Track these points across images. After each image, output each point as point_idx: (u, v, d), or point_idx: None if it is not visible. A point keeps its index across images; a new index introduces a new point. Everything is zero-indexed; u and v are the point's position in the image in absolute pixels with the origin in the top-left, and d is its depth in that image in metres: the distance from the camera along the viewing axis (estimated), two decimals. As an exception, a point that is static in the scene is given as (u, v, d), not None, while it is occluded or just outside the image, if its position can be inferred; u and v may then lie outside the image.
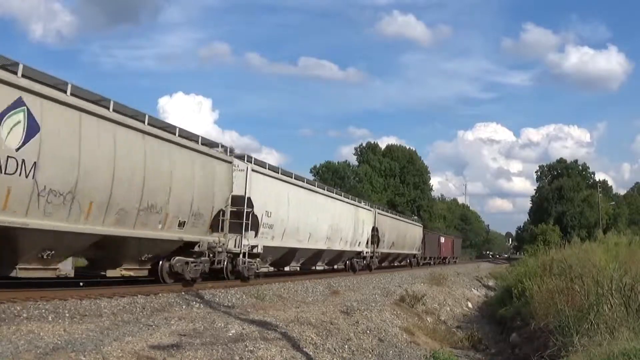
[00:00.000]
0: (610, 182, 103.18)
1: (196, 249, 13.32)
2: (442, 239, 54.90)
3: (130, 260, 11.81)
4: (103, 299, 9.98)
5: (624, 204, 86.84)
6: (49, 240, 9.30)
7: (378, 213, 30.06)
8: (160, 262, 12.75)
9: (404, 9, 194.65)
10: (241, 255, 15.16)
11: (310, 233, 19.99)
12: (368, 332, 11.39)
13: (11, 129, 8.25)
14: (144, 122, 11.48)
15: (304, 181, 20.29)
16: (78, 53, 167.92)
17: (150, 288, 11.91)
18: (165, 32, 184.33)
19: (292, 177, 19.08)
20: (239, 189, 15.08)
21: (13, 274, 9.19)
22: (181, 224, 12.56)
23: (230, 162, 14.87)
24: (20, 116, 8.41)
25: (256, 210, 15.63)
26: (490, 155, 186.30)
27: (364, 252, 27.30)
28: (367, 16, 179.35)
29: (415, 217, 74.55)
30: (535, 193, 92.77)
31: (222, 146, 14.90)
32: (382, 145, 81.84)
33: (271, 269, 19.86)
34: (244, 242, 15.15)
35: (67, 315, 8.51)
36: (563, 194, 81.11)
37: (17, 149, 8.33)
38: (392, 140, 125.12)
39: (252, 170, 15.80)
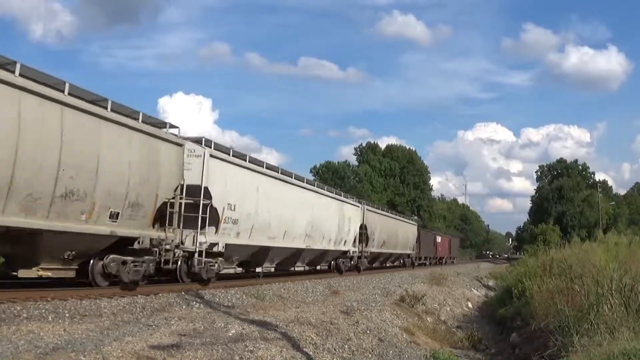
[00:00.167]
0: (610, 182, 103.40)
1: (136, 246, 11.36)
2: (439, 238, 52.94)
3: (49, 258, 9.90)
4: (103, 299, 9.98)
5: (624, 204, 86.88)
6: None
7: (367, 209, 27.95)
8: (91, 262, 10.83)
9: (404, 9, 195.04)
10: (196, 255, 13.22)
11: (286, 230, 17.85)
12: (368, 332, 11.39)
13: None
14: (63, 92, 9.60)
15: (278, 171, 17.97)
16: (78, 53, 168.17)
17: (150, 288, 11.91)
18: (165, 32, 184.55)
19: (263, 167, 16.85)
20: (194, 177, 13.22)
21: None
22: (114, 216, 10.62)
23: (181, 145, 12.93)
24: None
25: (216, 203, 13.64)
26: (490, 155, 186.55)
27: (351, 252, 25.02)
28: (367, 16, 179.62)
29: (415, 217, 74.82)
30: (535, 193, 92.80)
31: (173, 126, 12.92)
32: (382, 145, 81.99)
33: (239, 270, 18.00)
34: (200, 239, 13.27)
35: (67, 315, 8.51)
36: (563, 194, 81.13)
37: None
38: (392, 140, 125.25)
39: (211, 156, 13.80)
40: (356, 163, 77.07)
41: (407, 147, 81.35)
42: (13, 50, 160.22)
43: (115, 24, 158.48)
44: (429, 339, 13.60)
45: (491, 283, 35.51)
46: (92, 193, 10.01)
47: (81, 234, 9.99)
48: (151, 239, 11.74)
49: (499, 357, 13.21)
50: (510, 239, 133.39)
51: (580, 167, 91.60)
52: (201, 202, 13.20)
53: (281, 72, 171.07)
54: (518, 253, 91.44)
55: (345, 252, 24.44)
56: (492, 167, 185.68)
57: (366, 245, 27.27)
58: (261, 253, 16.86)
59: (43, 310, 8.45)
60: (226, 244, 14.33)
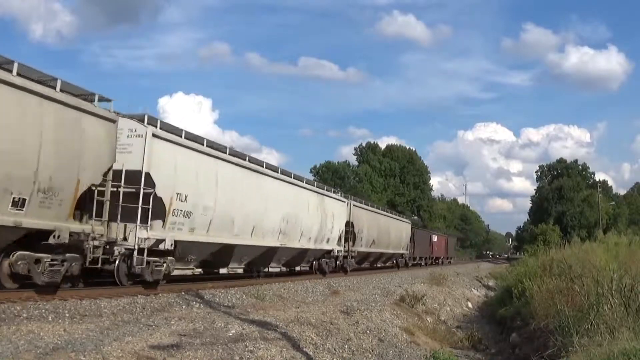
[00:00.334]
0: (610, 182, 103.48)
1: (51, 240, 9.46)
2: (435, 238, 50.88)
3: None
4: (103, 299, 9.97)
5: (624, 204, 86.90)
6: None
7: (353, 205, 25.81)
8: None
9: (404, 9, 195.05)
10: (136, 253, 11.24)
11: (254, 226, 15.73)
12: (368, 332, 11.40)
13: None
14: None
15: (245, 159, 15.68)
16: (78, 53, 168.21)
17: (150, 288, 11.89)
18: (165, 32, 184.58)
19: (225, 152, 14.63)
20: (135, 161, 11.38)
21: None
22: (18, 203, 8.76)
23: (114, 122, 10.88)
24: None
25: (161, 192, 11.78)
26: (490, 155, 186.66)
27: (336, 251, 22.82)
28: (367, 16, 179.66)
29: (415, 217, 74.84)
30: (535, 193, 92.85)
31: (104, 99, 10.83)
32: (382, 145, 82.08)
33: (198, 271, 16.36)
34: (141, 234, 11.32)
35: (67, 315, 8.51)
36: (563, 194, 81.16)
37: None
38: (392, 140, 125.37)
39: (155, 136, 11.82)
40: (356, 163, 77.25)
41: (407, 147, 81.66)
42: (13, 50, 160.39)
43: (115, 24, 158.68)
44: (429, 339, 13.61)
45: (491, 283, 35.52)
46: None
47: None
48: (72, 233, 9.78)
49: (499, 357, 13.21)
50: (510, 239, 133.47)
51: (580, 167, 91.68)
52: (141, 190, 11.31)
53: (281, 72, 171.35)
54: (518, 253, 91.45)
55: (328, 252, 22.32)
56: (492, 167, 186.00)
57: (353, 244, 25.26)
58: (224, 252, 14.70)
59: (43, 310, 8.44)
60: (176, 241, 12.38)
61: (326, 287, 17.33)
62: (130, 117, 11.91)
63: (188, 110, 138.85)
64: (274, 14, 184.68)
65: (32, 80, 9.16)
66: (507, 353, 13.28)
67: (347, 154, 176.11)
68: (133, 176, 11.31)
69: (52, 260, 9.61)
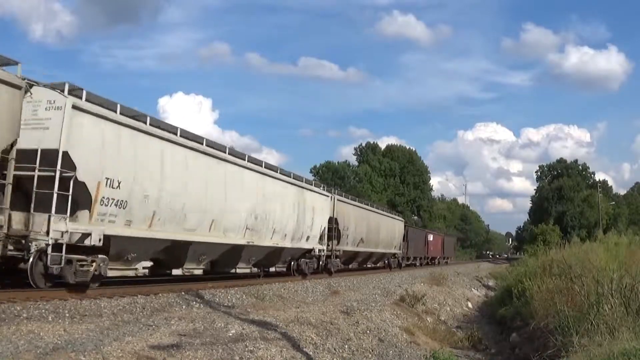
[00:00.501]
0: (610, 182, 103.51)
1: None
2: (430, 237, 48.45)
3: None
4: (103, 299, 9.97)
5: (624, 204, 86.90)
6: None
7: (338, 200, 23.43)
8: None
9: (404, 9, 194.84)
10: (50, 249, 9.35)
11: (214, 220, 13.66)
12: (368, 332, 11.40)
13: None
14: None
15: (202, 143, 13.47)
16: (78, 53, 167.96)
17: (150, 288, 11.90)
18: (165, 32, 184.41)
19: (176, 134, 12.44)
20: (51, 138, 9.55)
21: None
22: None
23: (19, 88, 9.41)
24: None
25: (84, 176, 9.83)
26: (490, 155, 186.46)
27: (317, 250, 20.56)
28: (367, 16, 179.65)
29: (415, 217, 74.89)
30: (535, 193, 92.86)
31: (8, 61, 9.52)
32: (382, 145, 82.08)
33: (142, 272, 14.49)
34: (57, 226, 9.47)
35: (67, 315, 8.51)
36: (563, 194, 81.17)
37: None
38: (392, 140, 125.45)
39: (76, 108, 9.79)
40: (356, 163, 77.21)
41: (407, 147, 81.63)
42: (13, 50, 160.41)
43: (115, 24, 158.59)
44: (429, 339, 13.61)
45: (491, 283, 35.57)
46: None
47: None
48: None
49: (499, 357, 13.22)
50: (510, 239, 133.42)
51: (580, 167, 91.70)
52: (57, 172, 9.41)
53: (281, 72, 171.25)
54: (518, 253, 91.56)
55: (308, 251, 20.10)
56: (492, 167, 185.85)
57: (338, 242, 23.06)
58: (177, 250, 12.76)
59: (43, 310, 8.44)
60: (108, 236, 10.36)
61: (326, 287, 17.34)
62: (50, 86, 10.00)
63: (188, 110, 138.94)
64: (274, 14, 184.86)
65: None
66: (507, 353, 13.28)
67: (347, 154, 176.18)
68: (49, 156, 9.47)
69: None
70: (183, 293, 11.93)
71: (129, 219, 11.00)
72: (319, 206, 20.73)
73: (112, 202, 10.47)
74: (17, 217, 9.45)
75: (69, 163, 9.63)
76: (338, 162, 74.09)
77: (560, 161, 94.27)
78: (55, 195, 9.42)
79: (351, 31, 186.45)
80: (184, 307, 10.66)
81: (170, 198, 12.03)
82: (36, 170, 9.49)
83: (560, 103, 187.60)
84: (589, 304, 9.15)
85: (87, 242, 10.04)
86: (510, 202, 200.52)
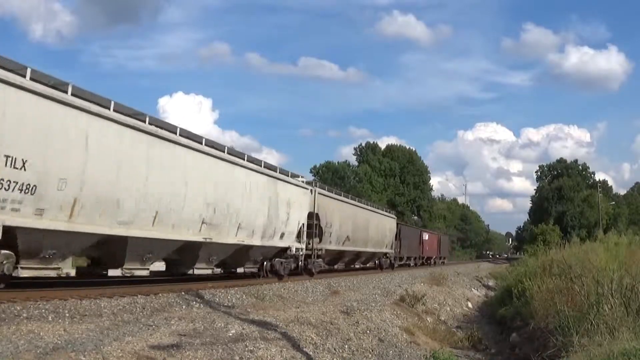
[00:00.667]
0: (610, 182, 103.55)
1: None
2: (426, 236, 46.51)
3: None
4: (103, 299, 9.97)
5: (624, 204, 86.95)
6: None
7: (319, 193, 21.30)
8: None
9: (404, 9, 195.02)
10: None
11: (158, 212, 11.56)
12: (368, 332, 11.40)
13: None
14: None
15: (144, 121, 11.40)
16: (78, 53, 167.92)
17: (150, 288, 11.91)
18: (165, 32, 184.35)
19: (109, 108, 10.36)
20: None
21: None
22: None
23: None
24: None
25: None
26: (490, 155, 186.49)
27: (294, 249, 18.46)
28: (367, 16, 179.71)
29: (415, 217, 74.90)
30: (535, 193, 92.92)
31: None
32: (382, 145, 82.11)
33: (66, 272, 10.33)
34: None
35: (67, 315, 8.51)
36: (563, 194, 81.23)
37: None
38: (392, 140, 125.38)
39: None
40: (356, 163, 77.23)
41: (407, 147, 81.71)
42: (13, 50, 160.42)
43: (115, 24, 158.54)
44: (429, 339, 13.61)
45: (491, 283, 35.58)
46: None
47: None
48: None
49: (499, 357, 13.22)
50: (510, 239, 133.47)
51: (580, 167, 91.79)
52: None
53: (281, 72, 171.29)
54: (518, 253, 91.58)
55: (284, 250, 18.02)
56: (492, 167, 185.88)
57: (320, 240, 21.00)
58: (111, 247, 10.93)
59: (43, 310, 8.44)
60: (11, 227, 8.60)
61: (326, 287, 17.36)
62: None
63: (188, 110, 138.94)
64: (274, 14, 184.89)
65: None
66: (507, 353, 13.29)
67: (347, 154, 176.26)
68: None
69: None
70: (183, 293, 11.94)
71: (41, 207, 9.02)
72: (296, 200, 18.54)
73: (15, 186, 8.57)
74: None
75: None
76: (338, 162, 74.18)
77: (560, 161, 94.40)
78: None
79: (351, 31, 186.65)
80: (184, 307, 10.66)
81: (97, 183, 9.99)
82: None
83: (560, 103, 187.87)
84: (589, 304, 9.16)
85: None
86: (510, 202, 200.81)
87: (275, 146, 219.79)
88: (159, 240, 11.94)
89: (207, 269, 14.70)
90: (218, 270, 15.94)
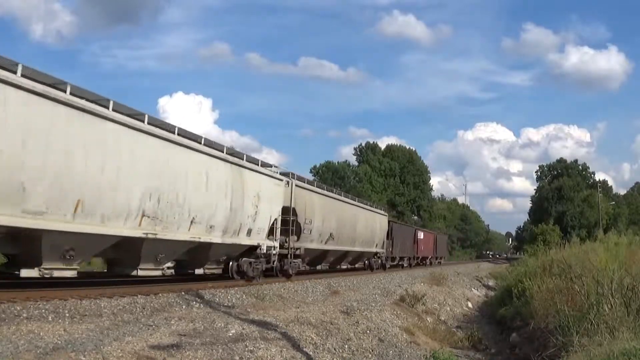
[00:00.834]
0: (610, 182, 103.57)
1: None
2: (421, 235, 43.96)
3: None
4: (103, 299, 9.97)
5: (624, 204, 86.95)
6: None
7: (297, 185, 19.00)
8: None
9: (404, 9, 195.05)
10: None
11: (80, 200, 9.58)
12: (368, 332, 11.40)
13: None
14: None
15: (65, 91, 9.36)
16: (78, 53, 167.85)
17: (150, 288, 11.91)
18: (165, 32, 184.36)
19: (16, 72, 8.47)
20: None
21: None
22: None
23: None
24: None
25: None
26: (490, 155, 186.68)
27: (264, 248, 16.25)
28: (367, 16, 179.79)
29: (416, 217, 74.89)
30: (535, 193, 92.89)
31: None
32: (382, 145, 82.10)
33: None
34: None
35: (67, 315, 8.52)
36: (563, 194, 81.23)
37: None
38: (392, 140, 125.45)
39: None
40: (356, 163, 77.24)
41: (407, 147, 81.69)
42: (13, 50, 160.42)
43: (115, 24, 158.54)
44: (429, 339, 13.61)
45: (491, 283, 35.58)
46: None
47: None
48: None
49: (499, 357, 13.22)
50: (510, 239, 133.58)
51: (580, 167, 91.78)
52: None
53: (281, 72, 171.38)
54: (518, 253, 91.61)
55: (253, 248, 15.88)
56: (492, 167, 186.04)
57: (298, 238, 18.93)
58: (21, 242, 9.28)
59: (43, 310, 8.44)
60: None
61: (326, 287, 17.37)
62: None
63: (188, 110, 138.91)
64: (274, 14, 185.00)
65: None
66: (507, 353, 13.29)
67: (347, 154, 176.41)
68: None
69: None
70: (183, 293, 11.94)
71: None
72: (268, 192, 16.28)
73: None
74: None
75: None
76: (338, 162, 74.15)
77: (560, 161, 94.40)
78: None
79: (351, 31, 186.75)
80: (184, 307, 10.67)
81: None
82: None
83: (560, 103, 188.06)
84: (589, 304, 9.16)
85: None
86: (510, 202, 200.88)
87: (275, 146, 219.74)
88: (85, 234, 9.93)
89: (155, 269, 12.55)
90: (170, 272, 13.48)
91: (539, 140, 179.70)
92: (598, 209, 72.14)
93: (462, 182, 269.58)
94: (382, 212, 32.03)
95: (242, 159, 15.13)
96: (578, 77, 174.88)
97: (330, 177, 66.36)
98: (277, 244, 17.24)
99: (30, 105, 8.73)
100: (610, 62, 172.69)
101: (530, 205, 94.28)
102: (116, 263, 12.17)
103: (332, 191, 23.84)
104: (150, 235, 11.40)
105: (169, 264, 13.25)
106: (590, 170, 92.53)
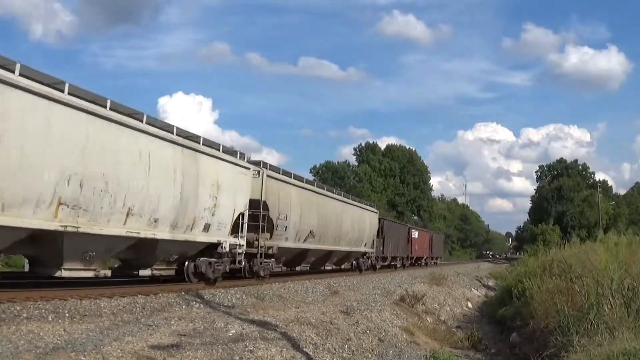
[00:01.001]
0: (610, 182, 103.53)
1: None
2: (415, 233, 41.73)
3: None
4: (103, 299, 9.97)
5: (624, 204, 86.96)
6: None
7: (269, 176, 16.83)
8: None
9: (404, 9, 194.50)
10: None
11: None
12: (368, 332, 11.40)
13: None
14: None
15: None
16: (78, 53, 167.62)
17: (150, 288, 11.91)
18: (165, 32, 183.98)
19: None
20: None
21: None
22: None
23: None
24: None
25: None
26: (490, 155, 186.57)
27: (227, 246, 14.30)
28: (367, 16, 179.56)
29: (415, 218, 74.88)
30: (535, 193, 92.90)
31: None
32: (382, 145, 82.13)
33: None
34: None
35: (67, 315, 8.51)
36: (563, 194, 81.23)
37: None
38: (392, 140, 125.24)
39: None
40: (356, 163, 77.24)
41: (407, 147, 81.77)
42: (13, 50, 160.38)
43: (115, 24, 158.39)
44: (429, 339, 13.61)
45: (491, 283, 35.58)
46: None
47: None
48: None
49: (499, 357, 13.22)
50: (510, 239, 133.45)
51: (580, 167, 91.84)
52: None
53: (281, 72, 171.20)
54: (518, 253, 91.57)
55: (213, 246, 13.97)
56: (492, 167, 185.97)
57: (271, 236, 16.95)
58: None
59: (43, 310, 8.44)
60: None
61: (326, 287, 17.36)
62: None
63: (188, 110, 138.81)
64: (274, 14, 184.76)
65: None
66: (507, 353, 13.30)
67: (347, 154, 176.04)
68: None
69: None
70: (183, 293, 11.94)
71: None
72: (231, 181, 14.28)
73: None
74: None
75: None
76: (338, 162, 74.25)
77: (560, 161, 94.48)
78: None
79: (351, 31, 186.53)
80: (184, 307, 10.66)
81: None
82: None
83: (560, 103, 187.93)
84: (589, 304, 9.16)
85: None
86: (510, 202, 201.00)
87: (275, 146, 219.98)
88: None
89: (84, 270, 10.37)
90: (104, 272, 11.28)
91: (539, 140, 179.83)
92: (598, 209, 72.13)
93: (462, 182, 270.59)
94: (373, 208, 29.91)
95: (199, 142, 13.15)
96: (578, 77, 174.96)
97: (330, 177, 66.41)
98: (243, 242, 15.13)
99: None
100: (610, 62, 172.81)
101: (530, 205, 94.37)
102: (36, 262, 10.38)
103: (313, 184, 21.61)
104: (70, 229, 9.33)
105: (113, 264, 11.74)
106: (590, 170, 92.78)
